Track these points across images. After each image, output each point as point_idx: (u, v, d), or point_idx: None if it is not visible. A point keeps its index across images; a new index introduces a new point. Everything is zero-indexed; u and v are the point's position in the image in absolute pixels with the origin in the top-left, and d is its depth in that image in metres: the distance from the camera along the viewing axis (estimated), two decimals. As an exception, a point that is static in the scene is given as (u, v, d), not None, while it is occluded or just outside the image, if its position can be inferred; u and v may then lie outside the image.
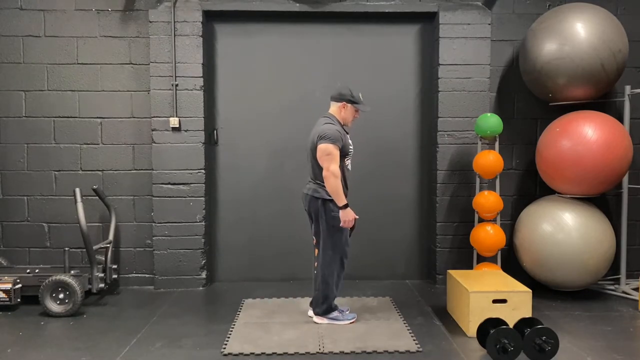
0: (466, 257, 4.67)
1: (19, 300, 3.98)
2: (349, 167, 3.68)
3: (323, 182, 3.52)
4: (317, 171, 3.58)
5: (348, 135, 3.68)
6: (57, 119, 4.62)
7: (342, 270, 3.68)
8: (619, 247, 4.46)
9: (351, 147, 3.65)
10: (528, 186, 4.83)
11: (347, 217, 3.50)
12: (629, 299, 4.26)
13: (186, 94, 4.54)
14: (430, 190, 4.86)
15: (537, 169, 4.48)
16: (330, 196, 3.51)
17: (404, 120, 4.89)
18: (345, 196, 3.54)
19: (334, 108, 3.68)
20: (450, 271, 3.91)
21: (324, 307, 3.67)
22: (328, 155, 3.45)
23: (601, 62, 4.12)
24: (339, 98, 3.65)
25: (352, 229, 3.70)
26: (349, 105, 3.64)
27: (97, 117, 4.63)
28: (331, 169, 3.43)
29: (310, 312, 3.74)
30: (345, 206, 3.49)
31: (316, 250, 3.72)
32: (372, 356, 3.13)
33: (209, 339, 3.40)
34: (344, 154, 3.56)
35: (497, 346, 2.99)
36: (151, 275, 4.67)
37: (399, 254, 4.94)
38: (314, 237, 3.72)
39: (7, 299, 3.90)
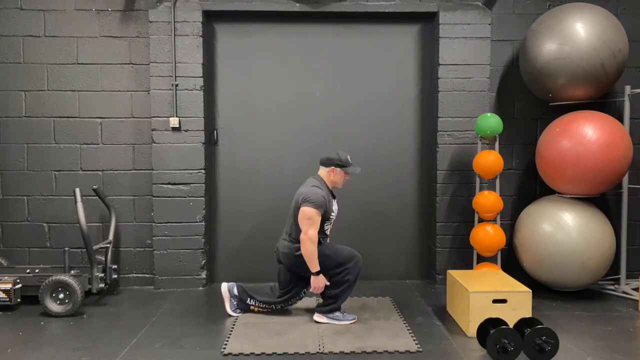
0: (466, 257, 4.67)
1: (19, 300, 3.98)
2: (328, 231, 3.77)
3: (298, 241, 3.60)
4: (294, 229, 3.67)
5: (335, 200, 3.79)
6: (57, 119, 4.62)
7: (359, 272, 3.72)
8: (619, 247, 4.46)
9: (334, 213, 3.74)
10: (528, 186, 4.83)
11: (318, 283, 3.61)
12: (629, 299, 4.26)
13: (186, 94, 4.55)
14: (430, 190, 4.86)
15: (537, 169, 4.48)
16: None
17: (404, 120, 4.89)
18: (320, 244, 3.63)
19: (323, 172, 3.76)
20: (450, 271, 3.91)
21: (330, 307, 3.69)
22: (309, 219, 3.53)
23: (601, 62, 4.12)
24: (327, 163, 3.72)
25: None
26: (337, 169, 3.70)
27: (97, 117, 4.63)
28: (309, 233, 3.52)
29: (316, 317, 3.73)
30: (318, 273, 3.58)
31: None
32: (372, 356, 3.13)
33: (209, 339, 3.40)
34: (324, 219, 3.64)
35: (497, 346, 2.99)
36: (151, 275, 4.67)
37: (399, 254, 4.94)
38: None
39: (7, 299, 3.90)
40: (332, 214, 3.73)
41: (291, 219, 3.72)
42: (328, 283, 3.66)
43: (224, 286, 3.92)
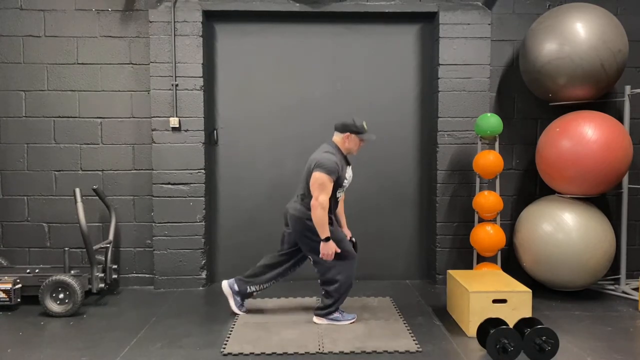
0: (466, 257, 4.67)
1: (19, 300, 3.98)
2: (340, 199, 3.70)
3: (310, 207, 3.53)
4: (306, 194, 3.59)
5: (350, 166, 3.70)
6: (57, 119, 4.62)
7: (354, 273, 3.70)
8: (619, 247, 4.46)
9: (347, 180, 3.65)
10: (528, 186, 4.83)
11: (328, 250, 3.50)
12: (629, 299, 4.26)
13: (186, 94, 4.55)
14: (430, 190, 4.86)
15: (537, 169, 4.48)
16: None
17: (404, 120, 4.89)
18: (331, 224, 3.57)
19: (338, 138, 3.66)
20: (450, 271, 3.91)
21: (327, 310, 3.68)
22: (320, 185, 3.46)
23: (601, 62, 4.11)
24: (342, 129, 3.63)
25: (355, 248, 3.74)
26: (352, 135, 3.62)
27: (97, 117, 4.64)
28: (320, 199, 3.44)
29: (315, 319, 3.73)
30: (327, 239, 3.49)
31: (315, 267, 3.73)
32: (372, 356, 3.13)
33: (209, 339, 3.41)
34: (336, 186, 3.56)
35: (497, 346, 2.99)
36: (151, 275, 4.67)
37: (399, 254, 4.95)
38: (308, 257, 3.71)
39: (7, 299, 3.90)
40: (345, 180, 3.64)
41: (303, 182, 3.62)
42: (339, 250, 3.55)
43: (225, 284, 3.90)
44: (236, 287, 3.86)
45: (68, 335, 3.51)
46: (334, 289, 3.62)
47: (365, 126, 3.64)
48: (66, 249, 4.15)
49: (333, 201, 3.60)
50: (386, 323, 3.68)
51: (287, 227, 3.74)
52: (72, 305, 3.86)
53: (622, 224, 4.49)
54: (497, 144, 4.45)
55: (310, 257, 3.68)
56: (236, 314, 3.87)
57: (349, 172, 3.69)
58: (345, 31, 4.82)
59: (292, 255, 3.79)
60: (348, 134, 3.61)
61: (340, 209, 3.87)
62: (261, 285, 3.84)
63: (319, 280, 3.70)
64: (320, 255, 3.53)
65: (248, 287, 3.84)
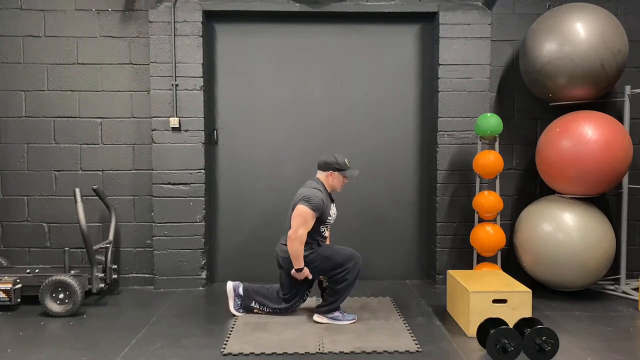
0: (466, 257, 4.67)
1: (19, 300, 3.98)
2: (325, 234, 3.76)
3: None
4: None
5: (333, 204, 3.79)
6: (57, 119, 4.62)
7: (360, 273, 3.74)
8: (619, 247, 4.46)
9: (330, 217, 3.72)
10: (528, 186, 4.83)
11: (300, 277, 3.67)
12: (629, 299, 4.26)
13: (186, 94, 4.55)
14: (430, 190, 4.86)
15: (537, 169, 4.48)
16: (304, 252, 3.61)
17: (404, 120, 4.89)
18: (319, 246, 3.69)
19: (321, 176, 3.74)
20: (450, 271, 3.91)
21: (328, 307, 3.69)
22: (303, 218, 3.54)
23: (601, 62, 4.11)
24: (325, 167, 3.70)
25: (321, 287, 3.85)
26: (335, 173, 3.68)
27: (97, 117, 4.64)
28: (299, 232, 3.53)
29: (316, 317, 3.74)
30: (300, 270, 3.60)
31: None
32: (372, 356, 3.13)
33: (209, 339, 3.41)
34: (320, 222, 3.64)
35: (497, 346, 2.99)
36: (151, 275, 4.67)
37: (399, 254, 4.95)
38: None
39: (7, 299, 3.90)
40: (329, 218, 3.71)
41: (289, 221, 3.68)
42: (310, 276, 3.67)
43: (229, 285, 3.92)
44: (240, 292, 3.89)
45: (68, 335, 3.51)
46: (341, 287, 3.65)
47: (347, 163, 3.71)
48: (66, 249, 4.15)
49: (319, 238, 3.69)
50: (386, 323, 3.68)
51: (280, 268, 3.82)
52: (72, 305, 3.86)
53: (622, 224, 4.49)
54: (497, 144, 4.45)
55: (318, 279, 3.80)
56: (237, 314, 3.87)
57: (333, 209, 3.77)
58: (345, 31, 4.82)
59: (295, 294, 3.81)
60: (331, 171, 3.69)
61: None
62: (265, 308, 3.86)
63: (326, 277, 3.73)
64: (292, 272, 3.65)
65: (253, 302, 3.87)
